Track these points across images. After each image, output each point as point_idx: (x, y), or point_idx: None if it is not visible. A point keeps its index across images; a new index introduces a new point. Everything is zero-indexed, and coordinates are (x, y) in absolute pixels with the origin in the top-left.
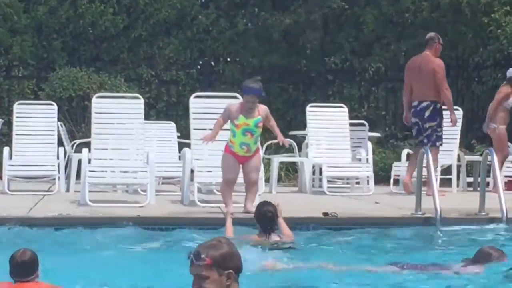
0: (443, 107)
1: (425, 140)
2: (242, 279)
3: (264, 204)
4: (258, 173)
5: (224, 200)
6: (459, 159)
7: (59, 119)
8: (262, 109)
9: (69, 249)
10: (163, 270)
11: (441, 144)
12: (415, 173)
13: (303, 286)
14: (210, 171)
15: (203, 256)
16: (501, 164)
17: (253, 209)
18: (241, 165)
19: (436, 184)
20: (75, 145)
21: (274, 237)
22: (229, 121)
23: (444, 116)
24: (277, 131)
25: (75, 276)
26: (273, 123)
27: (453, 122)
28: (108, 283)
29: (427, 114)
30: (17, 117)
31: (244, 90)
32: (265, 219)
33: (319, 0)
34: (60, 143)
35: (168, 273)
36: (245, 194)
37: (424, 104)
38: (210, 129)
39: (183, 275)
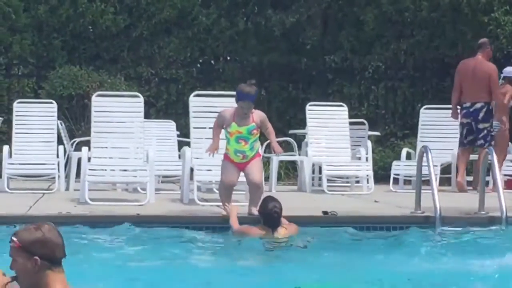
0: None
1: (482, 141)
2: None
3: (269, 200)
4: (260, 173)
5: (222, 202)
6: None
7: (59, 118)
8: (257, 115)
9: (68, 247)
10: (161, 269)
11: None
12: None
13: None
14: (210, 170)
15: (13, 238)
16: (501, 163)
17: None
18: (241, 171)
19: (436, 183)
20: (75, 143)
21: (280, 230)
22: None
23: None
24: (272, 138)
25: (73, 274)
26: (270, 130)
27: (504, 124)
28: (106, 281)
29: (481, 115)
30: (17, 115)
31: (239, 95)
32: (271, 217)
33: None
34: (60, 141)
35: (167, 272)
36: (249, 196)
37: (478, 105)
38: (210, 128)
39: (182, 274)
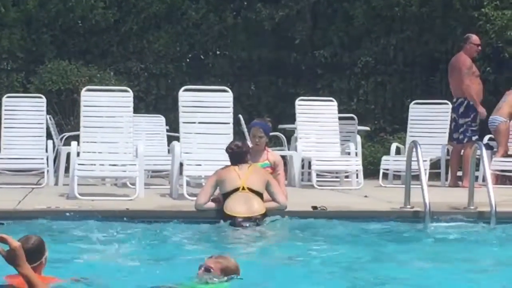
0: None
1: (461, 136)
2: None
3: (234, 139)
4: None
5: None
6: (448, 153)
7: (48, 112)
8: (273, 155)
9: (57, 242)
10: (150, 263)
11: (477, 139)
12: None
13: None
14: (199, 165)
15: None
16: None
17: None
18: None
19: (425, 178)
20: (64, 138)
21: (244, 166)
22: None
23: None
24: (280, 183)
25: (63, 269)
26: (281, 177)
27: (481, 115)
28: (95, 275)
29: (461, 110)
30: (5, 110)
31: (249, 127)
32: (233, 152)
33: None
34: (49, 136)
35: (156, 266)
36: None
37: (459, 100)
38: (199, 122)
39: (170, 268)
